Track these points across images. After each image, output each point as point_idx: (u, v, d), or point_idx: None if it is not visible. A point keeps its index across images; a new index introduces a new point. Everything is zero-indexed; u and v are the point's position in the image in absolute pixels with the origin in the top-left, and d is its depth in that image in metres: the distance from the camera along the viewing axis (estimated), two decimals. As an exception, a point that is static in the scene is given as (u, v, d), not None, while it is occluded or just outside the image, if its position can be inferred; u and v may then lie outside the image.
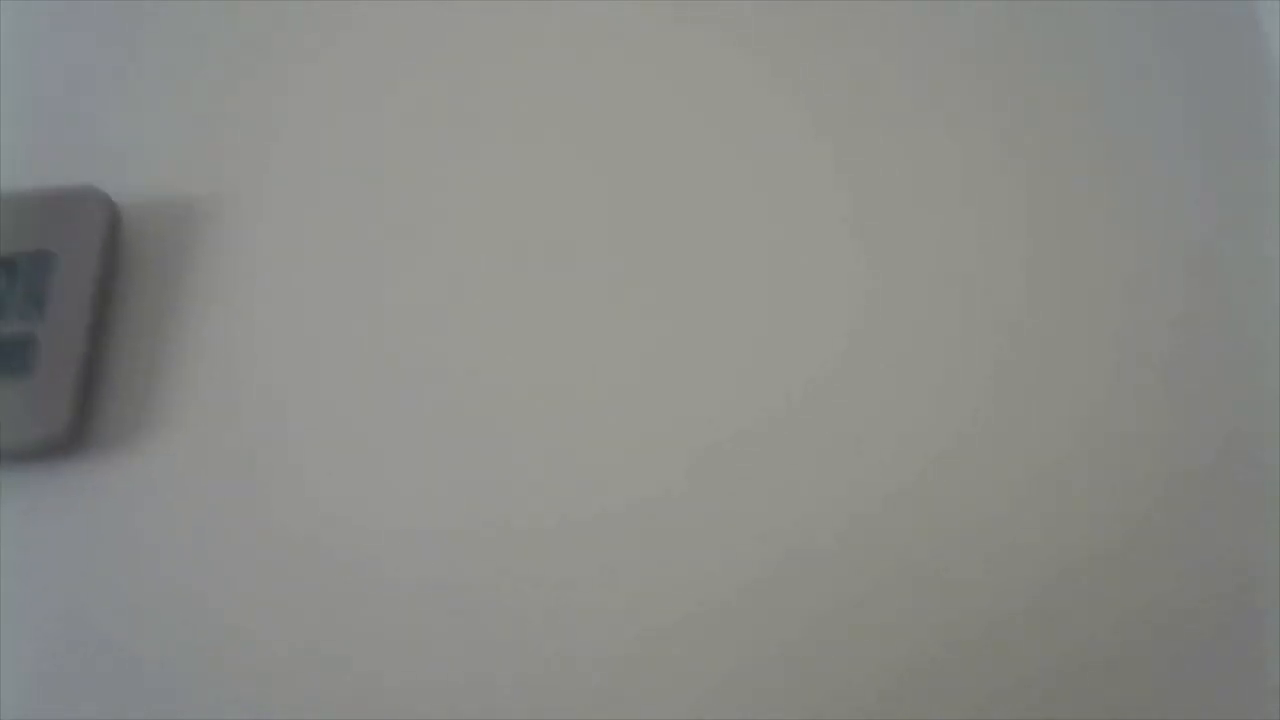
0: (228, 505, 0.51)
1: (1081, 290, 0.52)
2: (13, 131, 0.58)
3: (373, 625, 0.48)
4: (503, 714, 0.47)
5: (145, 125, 0.58)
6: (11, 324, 0.52)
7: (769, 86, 0.57)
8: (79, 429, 0.52)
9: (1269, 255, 0.53)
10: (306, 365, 0.53)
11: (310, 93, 0.58)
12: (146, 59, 0.59)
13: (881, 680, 0.47)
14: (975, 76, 0.57)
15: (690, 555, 0.49)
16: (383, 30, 0.59)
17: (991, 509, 0.49)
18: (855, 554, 0.48)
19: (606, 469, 0.50)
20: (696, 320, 0.53)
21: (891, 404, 0.51)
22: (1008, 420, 0.50)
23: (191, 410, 0.53)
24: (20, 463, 0.51)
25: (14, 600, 0.50)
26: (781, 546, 0.49)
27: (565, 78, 0.58)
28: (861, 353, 0.52)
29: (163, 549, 0.50)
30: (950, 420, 0.50)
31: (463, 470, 0.51)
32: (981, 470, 0.50)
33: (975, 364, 0.51)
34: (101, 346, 0.53)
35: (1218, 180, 0.54)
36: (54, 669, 0.49)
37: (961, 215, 0.54)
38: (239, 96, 0.58)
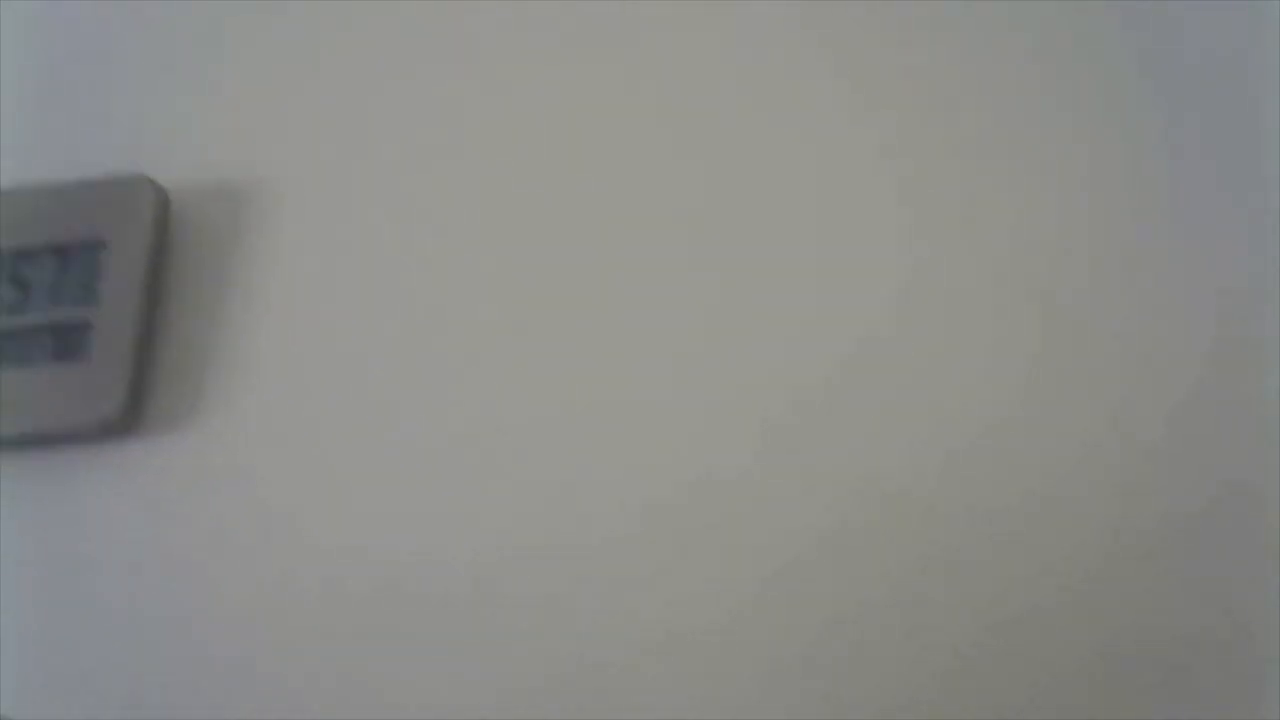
0: (277, 486, 0.52)
1: (1136, 269, 0.52)
2: (61, 119, 0.59)
3: (405, 625, 0.50)
4: None
5: (194, 111, 0.59)
6: (66, 310, 0.53)
7: (815, 57, 0.57)
8: (134, 411, 0.53)
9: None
10: (358, 349, 0.54)
11: (362, 76, 0.59)
12: (196, 44, 0.60)
13: (909, 672, 0.47)
14: (1028, 52, 0.56)
15: (717, 548, 0.49)
16: (436, 12, 0.60)
17: (1038, 485, 0.49)
18: (893, 534, 0.49)
19: (643, 457, 0.51)
20: (734, 303, 0.53)
21: (935, 380, 0.51)
22: (1051, 398, 0.50)
23: (244, 393, 0.54)
24: (76, 444, 0.53)
25: (69, 582, 0.51)
26: (813, 533, 0.49)
27: (609, 50, 0.58)
28: (905, 329, 0.52)
29: (216, 530, 0.51)
30: (992, 401, 0.50)
31: (513, 472, 0.51)
32: (1027, 448, 0.50)
33: (1019, 343, 0.51)
34: (154, 331, 0.54)
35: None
36: (109, 652, 0.50)
37: (1015, 189, 0.54)
38: (289, 81, 0.59)
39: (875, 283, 0.53)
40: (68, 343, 0.53)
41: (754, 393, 0.51)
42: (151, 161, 0.56)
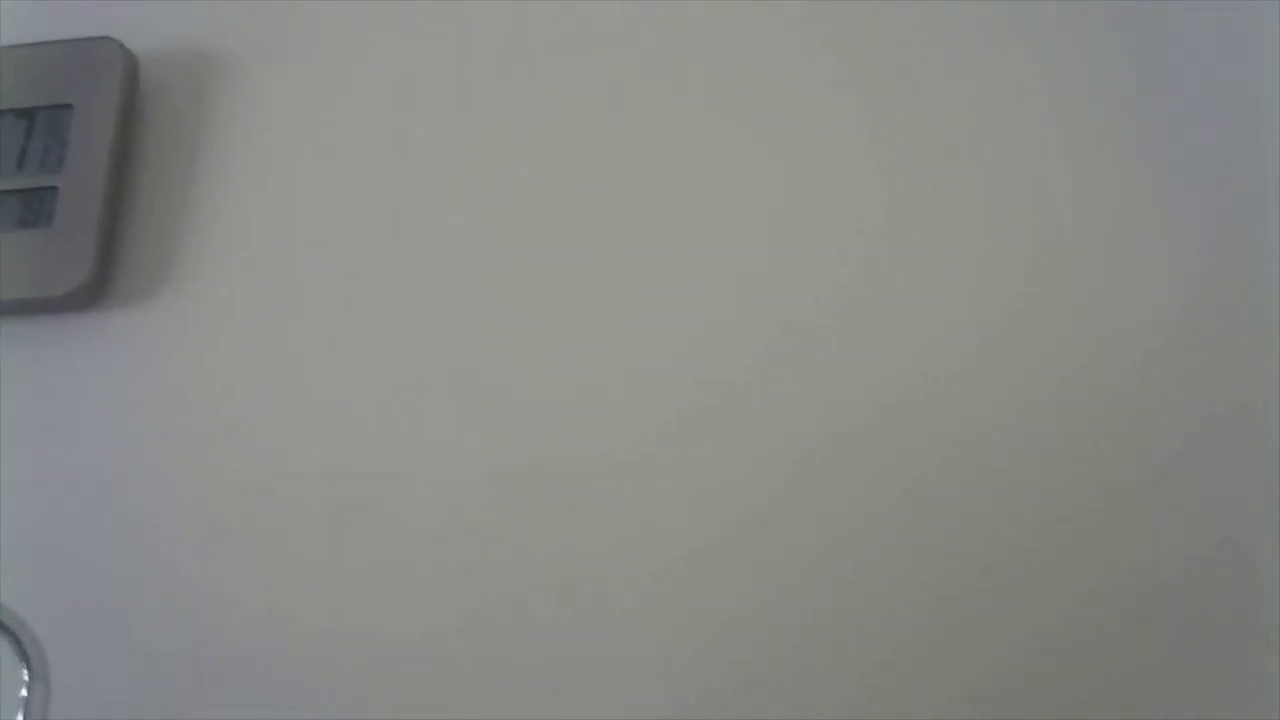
0: (247, 356, 0.51)
1: (1126, 188, 0.51)
2: (32, -17, 0.58)
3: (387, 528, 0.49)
4: (513, 656, 0.47)
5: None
6: (31, 175, 0.52)
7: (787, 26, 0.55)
8: (101, 280, 0.52)
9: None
10: (330, 221, 0.53)
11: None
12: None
13: (903, 585, 0.46)
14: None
15: (700, 481, 0.48)
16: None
17: (1034, 399, 0.48)
18: (873, 467, 0.48)
19: (626, 390, 0.50)
20: (714, 233, 0.51)
21: (926, 298, 0.50)
22: (1042, 315, 0.49)
23: (214, 265, 0.53)
24: (43, 313, 0.52)
25: (34, 449, 0.50)
26: (793, 465, 0.48)
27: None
28: (897, 248, 0.50)
29: (183, 399, 0.51)
30: (982, 319, 0.49)
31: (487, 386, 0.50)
32: (1019, 364, 0.49)
33: (1010, 261, 0.50)
34: (121, 198, 0.53)
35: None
36: (74, 520, 0.50)
37: (1001, 123, 0.52)
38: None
39: (869, 209, 0.51)
40: (33, 209, 0.52)
41: (746, 315, 0.50)
42: (121, 26, 0.55)
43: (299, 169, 0.54)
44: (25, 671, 0.39)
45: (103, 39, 0.54)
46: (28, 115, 0.53)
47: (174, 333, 0.52)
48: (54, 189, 0.52)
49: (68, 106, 0.53)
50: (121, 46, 0.54)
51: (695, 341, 0.50)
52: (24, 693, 0.39)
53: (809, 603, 0.46)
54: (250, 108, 0.54)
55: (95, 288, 0.52)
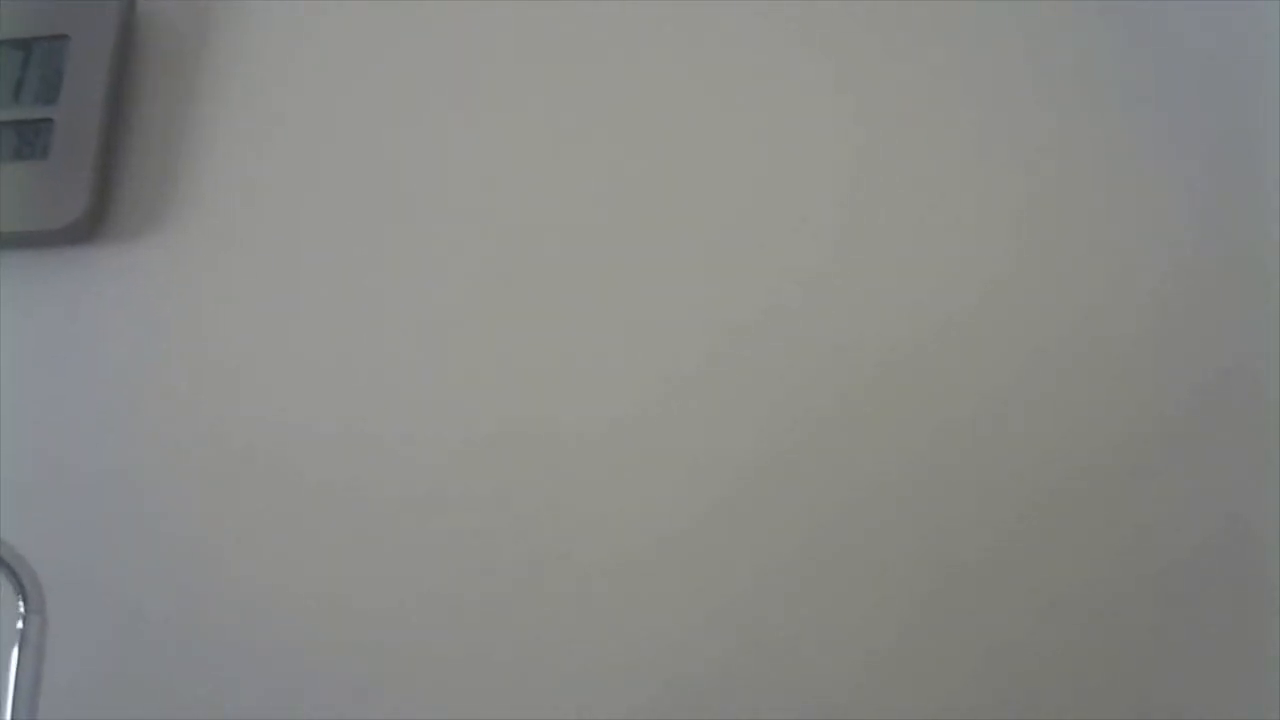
0: (244, 290, 0.51)
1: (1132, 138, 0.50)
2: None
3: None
4: (503, 624, 0.46)
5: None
6: (27, 107, 0.52)
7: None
8: (98, 213, 0.52)
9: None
10: (329, 161, 0.52)
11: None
12: None
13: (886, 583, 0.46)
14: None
15: (692, 454, 0.48)
16: None
17: (1039, 345, 0.48)
18: (867, 438, 0.47)
19: (613, 364, 0.49)
20: (709, 200, 0.51)
21: (929, 246, 0.49)
22: (1047, 262, 0.49)
23: (210, 196, 0.52)
24: (39, 246, 0.51)
25: (30, 383, 0.50)
26: (786, 437, 0.47)
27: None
28: (894, 198, 0.50)
29: (180, 333, 0.50)
30: (986, 264, 0.49)
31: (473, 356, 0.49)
32: (1023, 312, 0.48)
33: (1011, 207, 0.49)
34: (119, 131, 0.53)
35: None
36: (66, 452, 0.50)
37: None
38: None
39: (862, 169, 0.50)
40: (29, 141, 0.51)
41: (751, 269, 0.49)
42: (118, -43, 0.54)
43: (299, 102, 0.53)
44: (21, 604, 0.39)
45: (99, -31, 0.53)
46: (24, 46, 0.53)
47: (172, 266, 0.51)
48: (50, 121, 0.51)
49: (64, 37, 0.52)
50: (118, -23, 0.53)
51: (688, 311, 0.49)
52: (20, 625, 0.39)
53: (802, 580, 0.46)
54: (248, 39, 0.54)
55: (92, 221, 0.51)
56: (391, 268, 0.50)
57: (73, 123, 0.51)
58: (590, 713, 0.45)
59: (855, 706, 0.44)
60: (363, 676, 0.46)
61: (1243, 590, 0.44)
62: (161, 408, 0.50)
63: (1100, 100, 0.50)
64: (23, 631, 0.39)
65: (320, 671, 0.46)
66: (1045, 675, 0.44)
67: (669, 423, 0.48)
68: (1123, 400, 0.47)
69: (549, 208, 0.51)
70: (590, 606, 0.46)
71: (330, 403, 0.49)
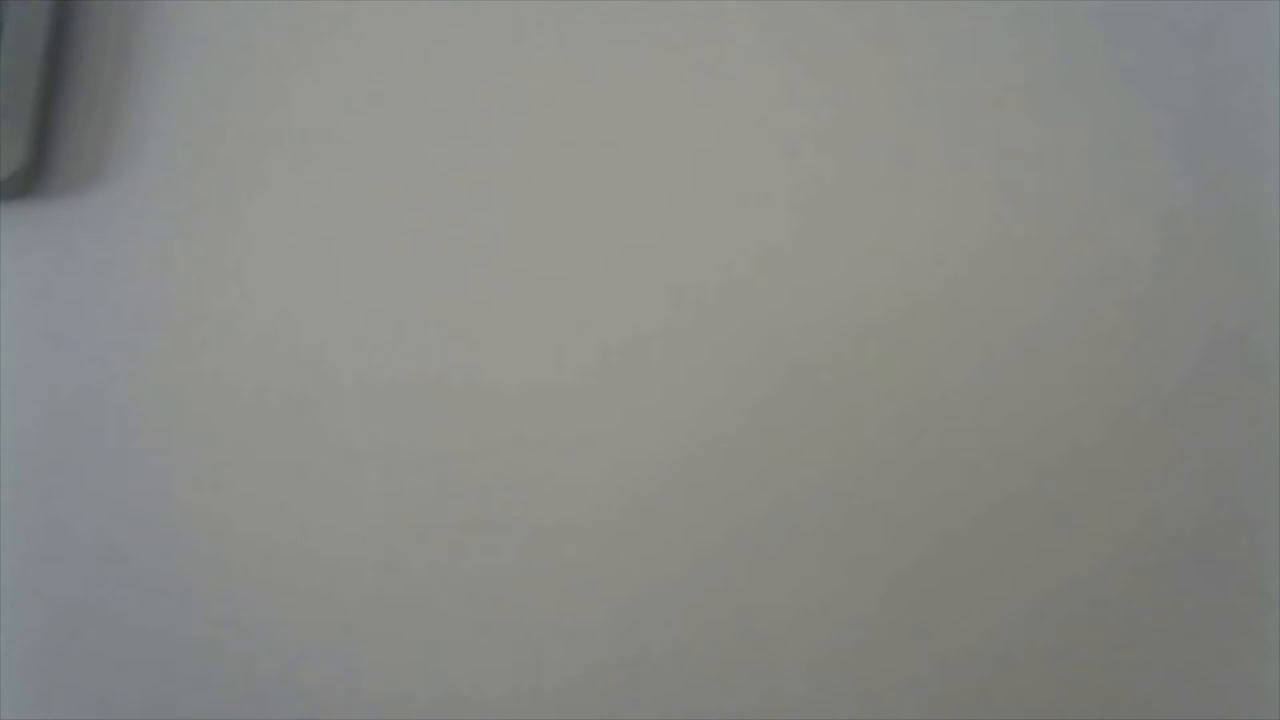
0: (190, 247, 0.49)
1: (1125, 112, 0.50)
2: None
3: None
4: (476, 593, 0.46)
5: None
6: (-38, 55, 0.50)
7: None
8: (36, 167, 0.50)
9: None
10: (277, 114, 0.51)
11: None
12: None
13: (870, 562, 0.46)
14: None
15: (663, 416, 0.47)
16: None
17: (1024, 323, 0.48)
18: (844, 411, 0.47)
19: (591, 318, 0.49)
20: (684, 157, 0.50)
21: (912, 214, 0.49)
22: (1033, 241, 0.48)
23: (156, 149, 0.51)
24: (-26, 201, 0.50)
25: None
26: (764, 397, 0.47)
27: None
28: (876, 167, 0.50)
29: (121, 293, 0.49)
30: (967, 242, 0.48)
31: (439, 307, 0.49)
32: (1008, 289, 0.48)
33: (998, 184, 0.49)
34: (60, 82, 0.51)
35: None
36: (8, 415, 0.48)
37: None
38: None
39: (839, 137, 0.50)
40: (-36, 91, 0.50)
41: (717, 240, 0.49)
42: (58, -100, 0.53)
43: (245, 52, 0.51)
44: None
45: (38, -88, 0.51)
46: (-42, -6, 0.51)
47: (114, 221, 0.50)
48: (-14, 70, 0.50)
49: (1, -15, 0.51)
50: (58, -79, 0.52)
51: (665, 266, 0.49)
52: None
53: (762, 556, 0.46)
54: (194, -10, 0.52)
55: (31, 173, 0.50)
56: (342, 219, 0.49)
57: (11, 73, 0.50)
58: (539, 680, 0.44)
59: (819, 689, 0.44)
60: (305, 632, 0.45)
61: (1241, 579, 0.44)
62: (99, 368, 0.48)
63: (1085, 72, 0.50)
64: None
65: (276, 617, 0.45)
66: (1024, 662, 0.44)
67: (635, 392, 0.47)
68: (1107, 383, 0.47)
69: (511, 170, 0.50)
70: (544, 570, 0.45)
71: (280, 358, 0.48)
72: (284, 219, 0.50)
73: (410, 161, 0.50)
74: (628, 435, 0.47)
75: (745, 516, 0.46)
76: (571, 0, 0.52)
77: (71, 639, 0.45)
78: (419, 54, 0.52)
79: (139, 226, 0.50)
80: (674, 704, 0.44)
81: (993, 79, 0.50)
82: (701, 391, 0.47)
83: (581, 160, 0.50)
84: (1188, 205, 0.49)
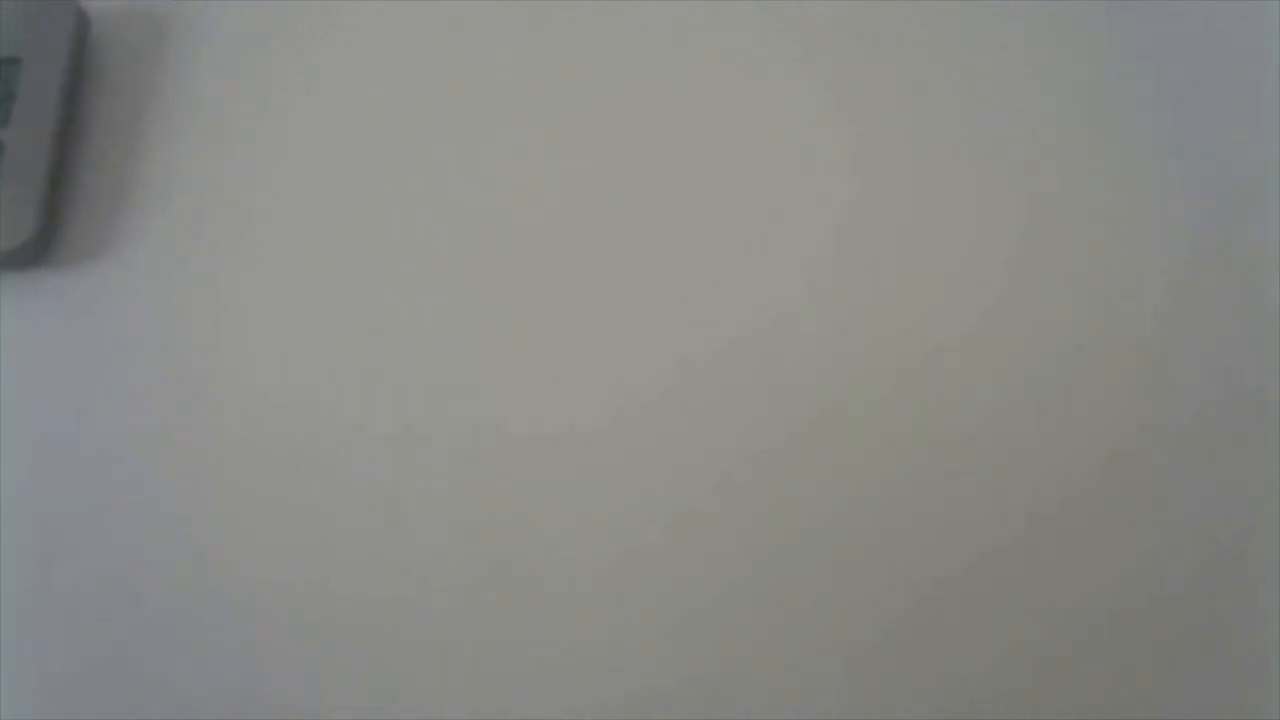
0: (199, 316, 0.50)
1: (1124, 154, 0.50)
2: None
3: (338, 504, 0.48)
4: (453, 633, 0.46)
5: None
6: (-22, 130, 0.51)
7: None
8: (46, 239, 0.51)
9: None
10: (280, 183, 0.52)
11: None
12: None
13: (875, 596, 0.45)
14: None
15: (676, 460, 0.47)
16: None
17: (1030, 371, 0.47)
18: (856, 454, 0.47)
19: (600, 366, 0.49)
20: (697, 212, 0.51)
21: (921, 265, 0.49)
22: (1038, 285, 0.48)
23: (161, 223, 0.52)
24: (-14, 269, 0.51)
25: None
26: (770, 452, 0.47)
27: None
28: (887, 218, 0.50)
29: (129, 366, 0.50)
30: (978, 286, 0.48)
31: (447, 354, 0.49)
32: (1015, 335, 0.48)
33: (1004, 229, 0.49)
34: (70, 155, 0.52)
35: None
36: (16, 482, 0.48)
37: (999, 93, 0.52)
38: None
39: (852, 183, 0.50)
40: (-22, 163, 0.51)
41: (729, 292, 0.49)
42: (74, -17, 0.54)
43: (253, 122, 0.53)
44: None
45: (54, -6, 0.53)
46: (-24, 70, 0.52)
47: (123, 292, 0.51)
48: (0, 143, 0.51)
49: (16, 61, 0.52)
50: (73, 1, 0.53)
51: (676, 321, 0.49)
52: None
53: (786, 592, 0.45)
54: (202, 67, 0.54)
55: (41, 244, 0.51)
56: (355, 278, 0.50)
57: (24, 145, 0.51)
58: (562, 714, 0.44)
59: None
60: (331, 669, 0.45)
61: (1247, 608, 0.44)
62: (110, 435, 0.49)
63: (1104, 114, 0.50)
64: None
65: (291, 661, 0.45)
66: (1036, 689, 0.43)
67: (661, 428, 0.47)
68: (1124, 416, 0.47)
69: (537, 208, 0.50)
70: (570, 607, 0.45)
71: (292, 422, 0.48)
72: (287, 287, 0.50)
73: (411, 219, 0.51)
74: (645, 477, 0.47)
75: (758, 564, 0.46)
76: (587, 45, 0.53)
77: (85, 683, 0.45)
78: (422, 118, 0.53)
79: (145, 294, 0.51)
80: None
81: (1013, 126, 0.50)
82: (722, 428, 0.47)
83: (592, 206, 0.51)
84: (1207, 249, 0.48)
